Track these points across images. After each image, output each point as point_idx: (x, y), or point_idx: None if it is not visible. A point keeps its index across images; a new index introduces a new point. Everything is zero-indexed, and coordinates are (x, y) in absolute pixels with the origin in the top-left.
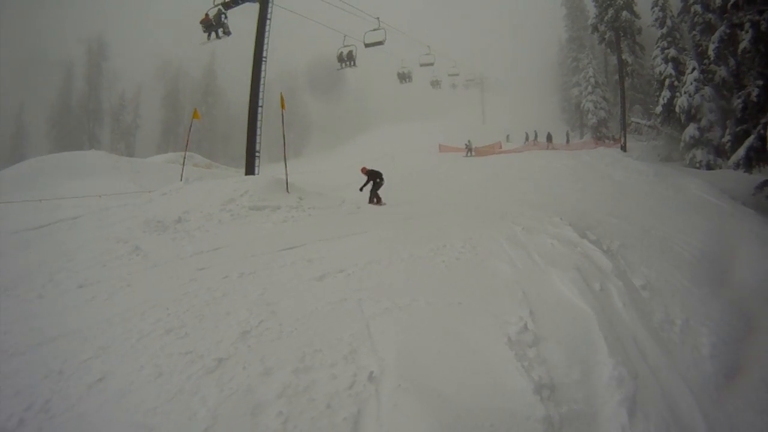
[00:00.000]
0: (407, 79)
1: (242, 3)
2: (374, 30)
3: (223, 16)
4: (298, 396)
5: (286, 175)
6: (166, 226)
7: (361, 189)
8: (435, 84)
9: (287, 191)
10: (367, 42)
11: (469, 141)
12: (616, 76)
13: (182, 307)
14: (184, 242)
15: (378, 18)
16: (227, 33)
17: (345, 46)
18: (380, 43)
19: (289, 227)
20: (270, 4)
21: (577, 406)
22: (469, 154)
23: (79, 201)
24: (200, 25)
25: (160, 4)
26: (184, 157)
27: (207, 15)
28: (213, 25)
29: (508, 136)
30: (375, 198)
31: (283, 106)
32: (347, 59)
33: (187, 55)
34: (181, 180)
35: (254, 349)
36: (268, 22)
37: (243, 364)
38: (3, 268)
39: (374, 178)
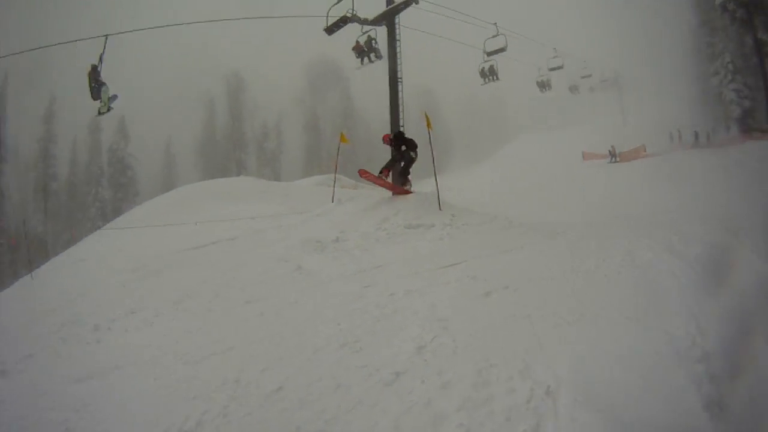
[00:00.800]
0: (547, 87)
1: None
2: (493, 37)
3: (373, 41)
4: (478, 409)
5: (438, 193)
6: (325, 245)
7: (381, 172)
8: (574, 89)
9: (439, 209)
10: (488, 51)
11: (612, 146)
12: (755, 59)
13: (354, 322)
14: (345, 261)
15: (495, 23)
16: (379, 57)
17: (485, 61)
18: (502, 50)
19: (446, 244)
20: (397, 26)
21: (744, 426)
22: (613, 160)
23: (233, 223)
24: (353, 52)
25: (290, 38)
26: (335, 179)
27: (358, 42)
28: (365, 51)
29: (671, 134)
30: (402, 180)
31: (429, 126)
32: (489, 74)
33: (323, 81)
34: (332, 201)
35: (431, 364)
36: (397, 43)
37: (421, 377)
38: (170, 284)
39: (399, 146)
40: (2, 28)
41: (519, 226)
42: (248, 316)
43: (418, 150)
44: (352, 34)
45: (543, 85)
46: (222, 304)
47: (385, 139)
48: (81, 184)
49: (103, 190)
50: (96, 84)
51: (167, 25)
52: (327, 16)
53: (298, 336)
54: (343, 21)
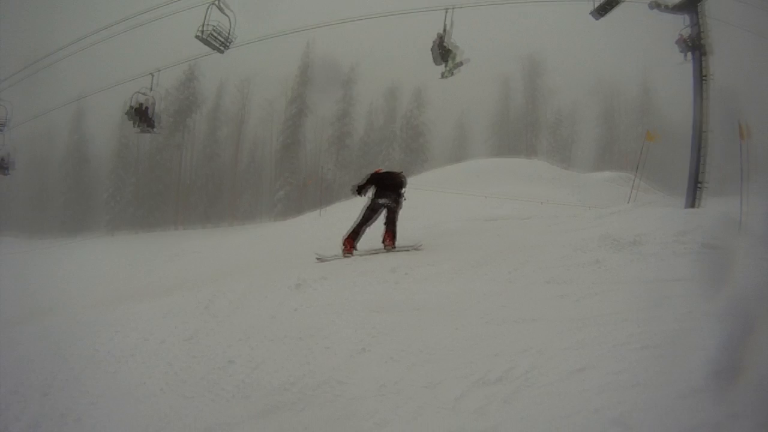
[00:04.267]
0: None
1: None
2: None
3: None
4: None
5: (741, 213)
6: (622, 245)
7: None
8: None
9: (740, 231)
10: None
11: None
12: None
13: (653, 328)
14: (642, 266)
15: None
16: (703, 53)
17: None
18: None
19: (747, 273)
20: (701, 16)
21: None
22: None
23: (523, 203)
24: (676, 45)
25: (585, 23)
26: (634, 180)
27: (681, 35)
28: (690, 45)
29: None
30: (387, 234)
31: (743, 136)
32: None
33: (622, 73)
34: (627, 202)
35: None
36: (701, 34)
37: (713, 398)
38: (466, 248)
39: (380, 184)
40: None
41: None
42: (548, 295)
43: (394, 191)
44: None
45: None
46: (521, 278)
47: (359, 191)
48: (373, 143)
49: (394, 152)
50: (442, 50)
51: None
52: None
53: (599, 327)
54: (612, 2)
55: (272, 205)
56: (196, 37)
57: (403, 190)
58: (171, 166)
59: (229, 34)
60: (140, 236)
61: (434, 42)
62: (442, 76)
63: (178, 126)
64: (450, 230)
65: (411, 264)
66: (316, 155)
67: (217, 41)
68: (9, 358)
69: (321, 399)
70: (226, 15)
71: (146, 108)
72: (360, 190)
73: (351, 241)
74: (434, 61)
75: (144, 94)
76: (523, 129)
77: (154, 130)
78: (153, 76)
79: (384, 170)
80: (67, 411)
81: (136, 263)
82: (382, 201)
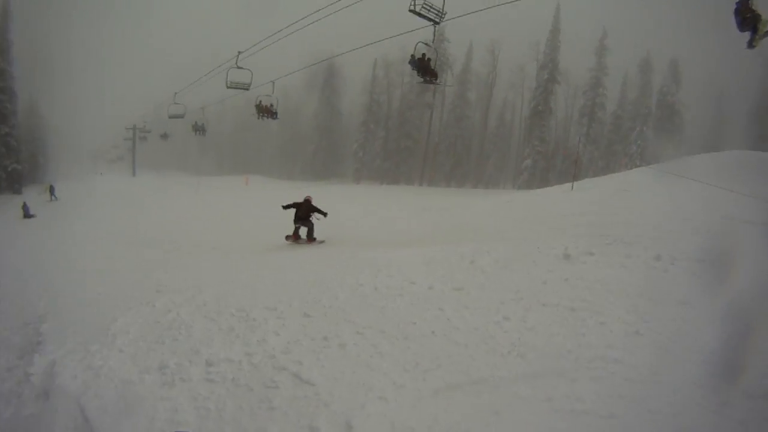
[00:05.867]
0: None
1: None
2: None
3: None
4: None
5: None
6: None
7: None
8: None
9: None
10: None
11: None
12: None
13: None
14: None
15: None
16: None
17: None
18: None
19: None
20: None
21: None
22: None
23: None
24: None
25: None
26: None
27: None
28: None
29: None
30: (307, 235)
31: None
32: None
33: None
34: None
35: None
36: None
37: None
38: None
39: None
40: None
41: None
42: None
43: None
44: None
45: None
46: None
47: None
48: (626, 119)
49: (648, 130)
50: (751, 14)
51: None
52: None
53: None
54: None
55: (518, 173)
56: (410, 11)
57: (313, 217)
58: (420, 124)
59: (442, 6)
60: (385, 188)
61: (739, 4)
62: (749, 45)
63: (429, 86)
64: (711, 230)
65: (675, 255)
66: (566, 125)
67: (431, 13)
68: (267, 281)
69: (595, 373)
70: None
71: (428, 59)
72: (285, 207)
73: (293, 236)
74: (738, 28)
75: (428, 44)
76: None
77: (437, 81)
78: (435, 26)
79: (308, 199)
80: (331, 335)
81: (381, 212)
82: (297, 224)
